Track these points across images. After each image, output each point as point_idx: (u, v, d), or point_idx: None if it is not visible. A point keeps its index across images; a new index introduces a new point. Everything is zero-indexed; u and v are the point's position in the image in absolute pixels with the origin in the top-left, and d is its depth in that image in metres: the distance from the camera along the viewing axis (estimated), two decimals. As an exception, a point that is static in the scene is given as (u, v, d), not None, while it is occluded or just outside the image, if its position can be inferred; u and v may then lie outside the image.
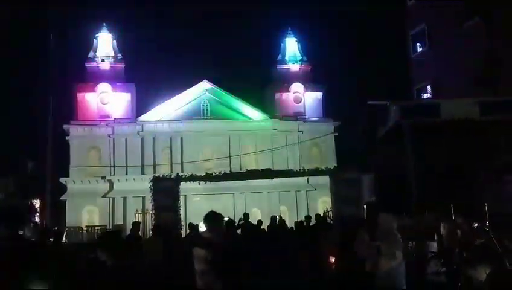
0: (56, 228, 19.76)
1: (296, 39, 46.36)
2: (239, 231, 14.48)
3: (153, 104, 42.08)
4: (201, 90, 42.30)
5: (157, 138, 40.43)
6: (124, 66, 43.12)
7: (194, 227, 13.68)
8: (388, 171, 16.39)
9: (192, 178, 19.57)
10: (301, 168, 23.25)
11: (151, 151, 40.25)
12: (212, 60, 54.26)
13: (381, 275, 7.46)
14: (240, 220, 15.33)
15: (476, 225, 10.69)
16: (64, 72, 44.72)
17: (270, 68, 46.14)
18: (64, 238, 16.63)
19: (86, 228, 30.22)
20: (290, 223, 21.10)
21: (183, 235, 17.24)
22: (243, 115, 42.51)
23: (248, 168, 24.42)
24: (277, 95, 43.86)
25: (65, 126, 40.11)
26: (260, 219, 17.95)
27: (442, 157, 14.55)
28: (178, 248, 12.91)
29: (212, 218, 6.40)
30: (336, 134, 42.77)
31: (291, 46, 46.11)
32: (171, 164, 39.18)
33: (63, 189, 38.87)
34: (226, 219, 15.54)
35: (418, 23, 25.20)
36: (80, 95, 41.23)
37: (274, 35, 46.95)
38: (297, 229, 15.94)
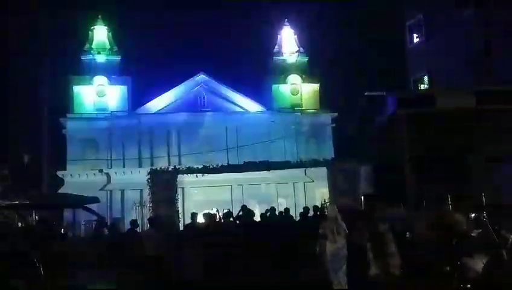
0: (54, 223, 19.83)
1: (292, 30, 46.19)
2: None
3: (150, 97, 41.99)
4: (198, 83, 42.21)
5: (154, 131, 40.34)
6: (120, 58, 42.94)
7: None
8: (385, 161, 16.42)
9: (189, 171, 19.60)
10: (299, 160, 23.25)
11: (148, 144, 40.20)
12: (208, 52, 54.14)
13: (327, 255, 9.60)
14: (239, 213, 15.36)
15: (473, 215, 10.71)
16: (60, 65, 44.53)
17: (266, 60, 45.97)
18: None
19: (83, 222, 30.22)
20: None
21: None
22: (239, 107, 42.46)
23: (245, 160, 24.38)
24: (274, 87, 43.74)
25: (62, 119, 40.03)
26: (256, 210, 17.94)
27: (439, 148, 14.58)
28: (176, 241, 12.95)
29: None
30: (333, 125, 42.75)
31: (288, 37, 45.93)
32: (169, 157, 39.16)
33: (61, 182, 38.82)
34: (225, 210, 15.64)
35: (414, 14, 25.13)
36: (76, 88, 41.10)
37: (270, 26, 46.70)
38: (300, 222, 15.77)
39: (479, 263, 8.49)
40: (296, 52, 45.32)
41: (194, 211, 14.99)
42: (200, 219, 14.83)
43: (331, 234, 9.56)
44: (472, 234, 9.78)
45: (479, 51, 20.78)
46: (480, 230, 9.66)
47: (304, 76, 44.12)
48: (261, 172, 28.23)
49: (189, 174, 20.14)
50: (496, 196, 12.19)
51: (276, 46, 45.74)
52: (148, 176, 18.21)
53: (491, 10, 20.58)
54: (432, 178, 13.95)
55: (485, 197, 10.77)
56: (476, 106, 14.65)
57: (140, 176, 30.54)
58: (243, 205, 16.35)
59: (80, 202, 12.73)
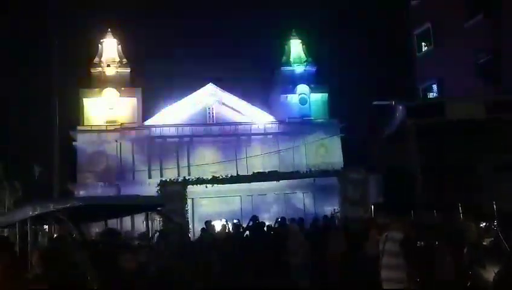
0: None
1: (300, 40, 46.33)
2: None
3: (159, 109, 42.19)
4: (206, 94, 42.41)
5: (163, 142, 40.52)
6: (129, 70, 43.26)
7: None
8: (395, 171, 16.37)
9: (199, 182, 19.70)
10: (308, 170, 23.22)
11: (157, 155, 40.35)
12: (217, 63, 54.37)
13: (293, 265, 10.99)
14: (249, 223, 15.37)
15: (484, 224, 10.65)
16: (69, 78, 44.93)
17: (275, 70, 46.12)
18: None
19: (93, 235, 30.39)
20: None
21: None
22: (248, 117, 42.54)
23: (254, 171, 24.40)
24: (282, 97, 43.83)
25: (72, 132, 40.27)
26: (266, 220, 17.95)
27: (449, 157, 14.52)
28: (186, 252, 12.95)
29: None
30: (342, 135, 42.70)
31: (296, 47, 46.06)
32: (178, 168, 39.26)
33: (71, 195, 38.96)
34: (235, 221, 15.66)
35: (422, 22, 25.11)
36: (86, 101, 41.40)
37: (278, 37, 46.93)
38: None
39: (490, 273, 8.41)
40: (305, 62, 45.42)
41: (206, 220, 15.09)
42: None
43: (297, 247, 10.96)
44: (483, 243, 9.72)
45: (488, 59, 20.71)
46: (492, 239, 9.60)
47: (312, 86, 44.17)
48: (270, 182, 28.25)
49: (198, 185, 20.21)
50: (507, 204, 12.10)
51: (284, 57, 45.87)
52: (158, 187, 18.28)
53: (501, 18, 20.53)
54: (442, 187, 13.89)
55: (496, 206, 10.68)
56: (485, 115, 14.58)
57: (150, 187, 30.65)
58: (253, 215, 16.36)
59: (153, 204, 9.07)
